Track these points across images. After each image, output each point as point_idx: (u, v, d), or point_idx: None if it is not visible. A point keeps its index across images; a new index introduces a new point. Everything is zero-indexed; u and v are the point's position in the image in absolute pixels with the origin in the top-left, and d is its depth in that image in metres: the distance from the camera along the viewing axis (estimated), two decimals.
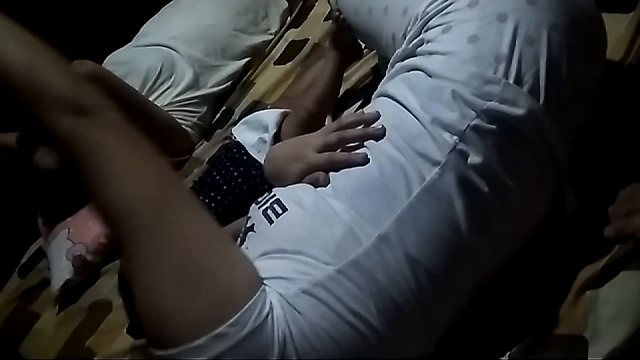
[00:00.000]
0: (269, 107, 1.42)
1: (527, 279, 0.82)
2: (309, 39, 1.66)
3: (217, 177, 1.29)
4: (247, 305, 0.70)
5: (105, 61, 1.70)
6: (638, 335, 0.69)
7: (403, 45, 0.85)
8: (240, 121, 1.37)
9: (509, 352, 0.76)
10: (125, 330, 1.27)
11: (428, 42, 0.81)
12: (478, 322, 0.81)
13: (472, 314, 0.80)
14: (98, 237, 1.44)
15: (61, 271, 1.45)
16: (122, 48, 1.70)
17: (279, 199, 0.81)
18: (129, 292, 1.19)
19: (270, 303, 0.71)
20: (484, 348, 0.79)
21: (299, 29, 1.74)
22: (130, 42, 1.71)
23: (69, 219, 1.52)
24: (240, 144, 1.30)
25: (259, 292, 0.71)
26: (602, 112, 0.86)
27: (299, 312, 0.71)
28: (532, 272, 0.82)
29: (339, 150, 0.83)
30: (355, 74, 1.38)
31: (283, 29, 1.79)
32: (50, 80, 0.76)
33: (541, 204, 0.80)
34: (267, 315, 0.70)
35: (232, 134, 1.35)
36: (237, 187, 1.26)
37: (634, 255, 0.74)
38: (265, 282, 0.74)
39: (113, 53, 1.71)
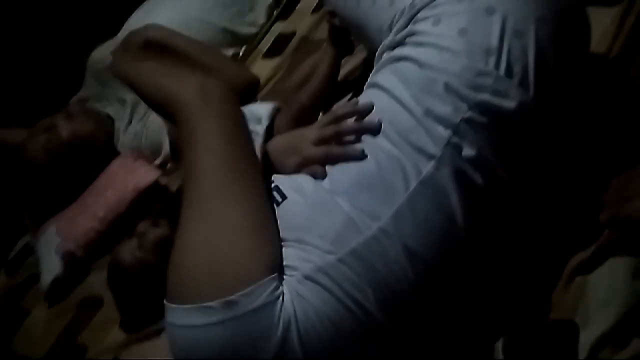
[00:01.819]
0: (258, 100, 1.42)
1: (519, 265, 0.84)
2: (296, 32, 1.66)
3: None
4: (263, 281, 0.72)
5: (91, 56, 1.69)
6: (626, 319, 0.71)
7: (390, 36, 0.86)
8: None
9: (502, 338, 0.78)
10: (117, 324, 1.27)
11: (418, 34, 0.82)
12: (471, 309, 0.83)
13: (466, 301, 0.82)
14: (87, 232, 1.43)
15: (51, 267, 1.44)
16: (107, 42, 1.68)
17: (277, 186, 0.83)
18: (118, 286, 1.21)
19: (283, 288, 0.74)
20: (478, 334, 0.81)
21: (286, 21, 1.74)
22: (116, 36, 1.68)
23: (57, 215, 1.51)
24: None
25: (277, 274, 0.74)
26: (589, 103, 0.88)
27: (302, 297, 0.73)
28: (524, 258, 0.84)
29: (335, 143, 0.83)
30: (345, 66, 1.38)
31: (270, 22, 1.79)
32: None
33: (533, 193, 0.82)
34: (279, 297, 0.72)
35: None
36: None
37: (622, 241, 0.76)
38: None
39: (98, 47, 1.69)
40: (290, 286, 0.74)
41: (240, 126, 0.85)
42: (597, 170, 0.84)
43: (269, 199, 0.81)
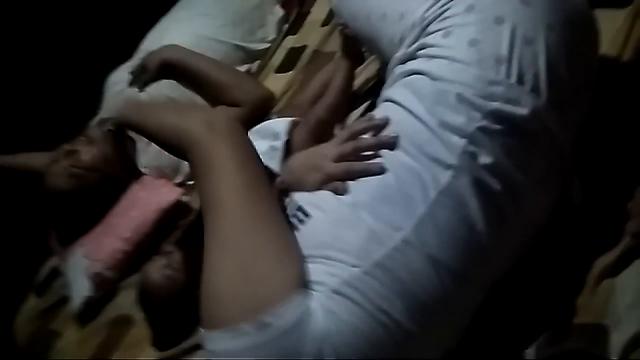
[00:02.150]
0: (274, 116, 1.45)
1: (545, 271, 0.85)
2: (307, 46, 1.68)
3: None
4: (292, 298, 0.73)
5: (108, 80, 1.72)
6: None
7: (402, 50, 0.87)
8: (249, 131, 1.39)
9: (532, 345, 0.79)
10: (149, 343, 1.29)
11: (429, 46, 0.83)
12: (501, 317, 0.84)
13: (494, 309, 0.83)
14: (114, 252, 1.46)
15: (80, 289, 1.46)
16: (124, 65, 1.71)
17: (300, 206, 0.85)
18: (150, 305, 1.23)
19: (312, 303, 0.75)
20: (508, 342, 0.82)
21: (296, 35, 1.76)
22: (131, 60, 1.72)
23: (83, 237, 1.54)
24: None
25: (304, 290, 0.75)
26: (604, 106, 0.89)
27: (333, 312, 0.74)
28: (549, 264, 0.85)
29: (353, 159, 0.85)
30: (358, 77, 1.40)
31: (281, 37, 1.81)
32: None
33: (550, 197, 0.83)
34: (310, 313, 0.74)
35: None
36: None
37: None
38: None
39: (115, 71, 1.73)
40: (319, 302, 0.75)
41: (249, 151, 0.87)
42: (618, 174, 0.85)
43: (284, 216, 0.83)
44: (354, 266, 0.76)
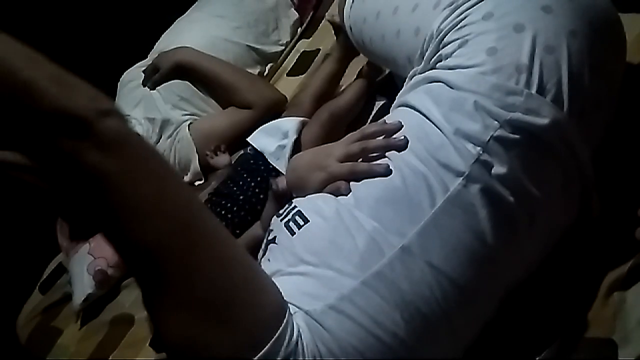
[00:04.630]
0: (282, 116, 1.44)
1: (554, 282, 0.81)
2: (320, 49, 1.67)
3: (234, 188, 1.30)
4: (276, 335, 0.68)
5: (122, 79, 1.72)
6: None
7: (422, 64, 0.85)
8: (258, 129, 1.38)
9: (538, 357, 0.76)
10: (147, 343, 1.28)
11: (446, 57, 0.80)
12: (506, 327, 0.81)
13: (500, 319, 0.80)
14: None
15: (82, 286, 1.46)
16: (138, 64, 1.72)
17: (299, 210, 0.82)
18: None
19: (298, 326, 0.71)
20: (513, 353, 0.79)
21: (310, 39, 1.76)
22: (146, 59, 1.72)
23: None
24: (258, 152, 1.31)
25: (286, 318, 0.70)
26: (624, 115, 0.86)
27: (325, 330, 0.71)
28: (559, 275, 0.82)
29: (360, 160, 0.83)
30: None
31: (294, 40, 1.81)
32: (36, 89, 0.62)
33: (567, 211, 0.79)
34: (297, 342, 0.69)
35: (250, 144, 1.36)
36: (253, 196, 1.27)
37: None
38: (291, 300, 0.73)
39: (129, 70, 1.73)
40: (311, 318, 0.71)
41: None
42: (631, 183, 0.81)
43: (223, 228, 0.74)
44: (351, 276, 0.72)
